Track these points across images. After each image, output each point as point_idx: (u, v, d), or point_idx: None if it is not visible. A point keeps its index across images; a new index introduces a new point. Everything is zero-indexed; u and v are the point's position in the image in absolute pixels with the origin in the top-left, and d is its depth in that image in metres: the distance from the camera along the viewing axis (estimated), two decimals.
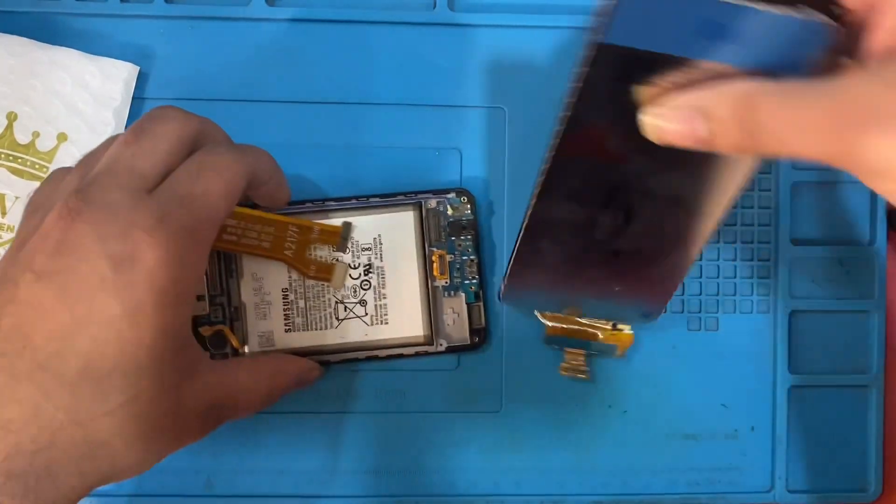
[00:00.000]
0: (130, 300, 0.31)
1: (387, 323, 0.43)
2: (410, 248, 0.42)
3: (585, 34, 0.30)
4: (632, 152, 0.34)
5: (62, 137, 0.43)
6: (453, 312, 0.43)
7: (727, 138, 0.29)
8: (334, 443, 0.44)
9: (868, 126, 0.25)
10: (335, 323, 0.42)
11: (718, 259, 0.45)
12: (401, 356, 0.43)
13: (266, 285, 0.42)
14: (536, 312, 0.43)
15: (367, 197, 0.43)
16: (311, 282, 0.42)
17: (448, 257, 0.43)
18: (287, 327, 0.42)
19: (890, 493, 0.45)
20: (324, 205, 0.42)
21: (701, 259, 0.45)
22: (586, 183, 0.36)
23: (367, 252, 0.42)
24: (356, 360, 0.43)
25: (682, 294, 0.45)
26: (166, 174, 0.34)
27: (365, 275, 0.42)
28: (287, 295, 0.42)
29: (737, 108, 0.28)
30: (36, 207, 0.35)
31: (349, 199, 0.43)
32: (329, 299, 0.42)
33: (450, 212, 0.43)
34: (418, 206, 0.43)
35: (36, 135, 0.42)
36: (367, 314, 0.42)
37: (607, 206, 0.37)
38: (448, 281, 0.43)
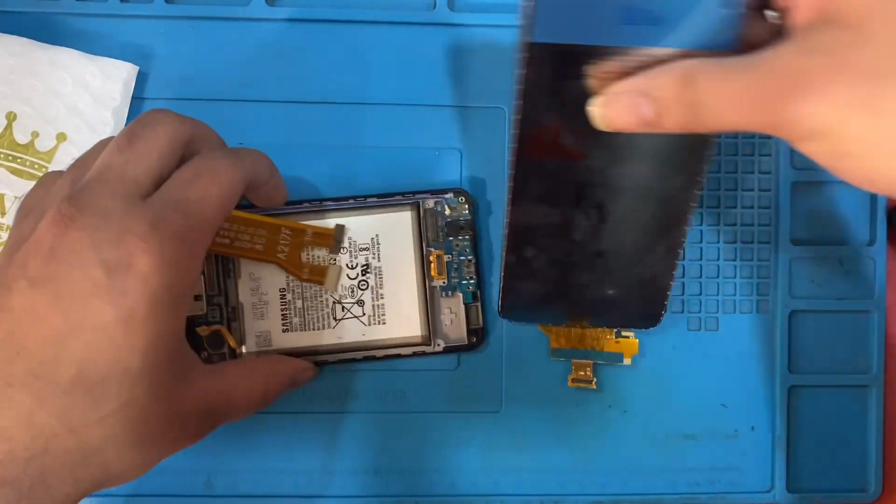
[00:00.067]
0: (124, 306, 0.31)
1: (384, 323, 0.42)
2: (408, 248, 0.42)
3: (518, 36, 0.31)
4: (588, 147, 0.35)
5: (61, 137, 0.43)
6: (451, 312, 0.43)
7: (672, 118, 0.30)
8: (335, 443, 0.44)
9: (790, 94, 0.27)
10: (333, 323, 0.42)
11: (719, 259, 0.45)
12: (398, 356, 0.43)
13: (263, 285, 0.42)
14: (539, 327, 0.44)
15: (365, 197, 0.43)
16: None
17: (446, 257, 0.43)
18: (284, 327, 0.42)
19: (890, 493, 0.45)
20: (321, 205, 0.42)
21: (701, 259, 0.45)
22: (553, 184, 0.37)
23: (364, 252, 0.42)
24: (353, 360, 0.43)
25: (682, 294, 0.45)
26: (160, 179, 0.34)
27: (362, 275, 0.42)
28: (284, 295, 0.42)
29: (678, 88, 0.29)
30: (28, 211, 0.35)
31: (346, 199, 0.43)
32: (326, 299, 0.42)
33: (447, 212, 0.43)
34: (416, 207, 0.42)
35: (35, 135, 0.43)
36: (364, 314, 0.42)
37: (579, 206, 0.37)
38: (446, 281, 0.43)
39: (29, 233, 0.32)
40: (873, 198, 0.45)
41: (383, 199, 0.43)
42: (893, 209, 0.46)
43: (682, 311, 0.45)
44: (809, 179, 0.45)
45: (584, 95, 0.32)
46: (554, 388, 0.44)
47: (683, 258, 0.45)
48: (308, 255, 0.42)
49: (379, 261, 0.42)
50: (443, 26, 0.45)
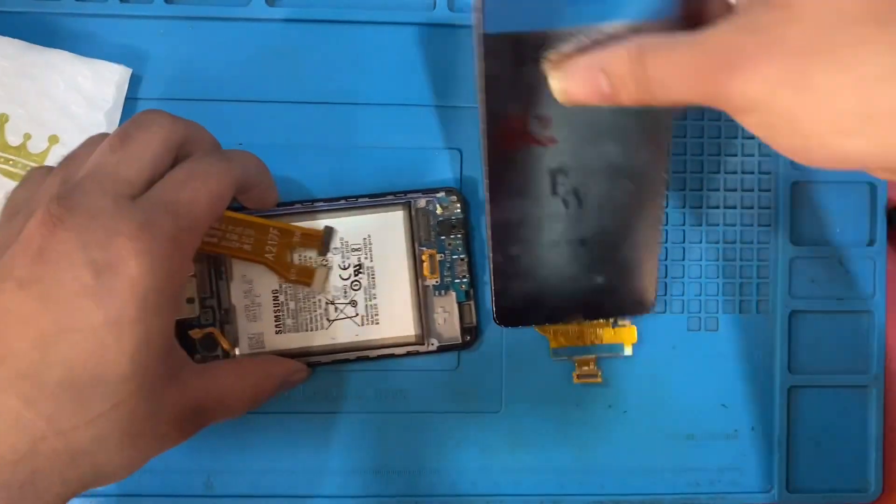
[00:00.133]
0: (113, 308, 0.30)
1: (377, 323, 0.42)
2: (400, 247, 0.42)
3: (471, 31, 0.32)
4: (555, 131, 0.36)
5: (54, 139, 0.43)
6: (444, 311, 0.43)
7: (626, 92, 0.31)
8: (334, 443, 0.44)
9: (728, 70, 0.28)
10: (326, 324, 0.42)
11: (719, 259, 0.45)
12: (392, 356, 0.43)
13: (256, 287, 0.42)
14: (537, 329, 0.44)
15: (357, 197, 0.42)
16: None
17: (438, 256, 0.42)
18: (277, 329, 0.42)
19: (890, 493, 0.45)
20: (312, 206, 0.42)
21: (701, 259, 0.45)
22: (528, 174, 0.38)
23: (356, 252, 0.42)
24: (346, 360, 0.43)
25: (683, 294, 0.45)
26: (152, 181, 0.33)
27: (355, 275, 0.42)
28: (277, 297, 0.42)
29: (630, 64, 0.31)
30: (15, 210, 0.35)
31: (338, 199, 0.42)
32: (319, 300, 0.42)
33: (439, 211, 0.43)
34: (407, 206, 0.42)
35: (27, 137, 0.43)
36: (357, 314, 0.42)
37: (556, 193, 0.38)
38: (438, 280, 0.43)
39: (17, 232, 0.32)
40: (873, 198, 0.45)
41: (374, 199, 0.42)
42: (893, 209, 0.45)
43: (682, 312, 0.45)
44: (809, 179, 0.45)
45: (545, 80, 0.33)
46: (554, 387, 0.44)
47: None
48: (299, 256, 0.42)
49: (371, 261, 0.42)
50: (443, 26, 0.44)
